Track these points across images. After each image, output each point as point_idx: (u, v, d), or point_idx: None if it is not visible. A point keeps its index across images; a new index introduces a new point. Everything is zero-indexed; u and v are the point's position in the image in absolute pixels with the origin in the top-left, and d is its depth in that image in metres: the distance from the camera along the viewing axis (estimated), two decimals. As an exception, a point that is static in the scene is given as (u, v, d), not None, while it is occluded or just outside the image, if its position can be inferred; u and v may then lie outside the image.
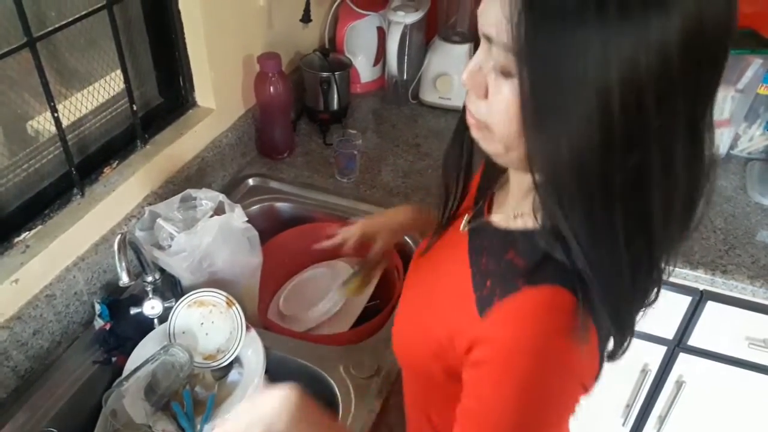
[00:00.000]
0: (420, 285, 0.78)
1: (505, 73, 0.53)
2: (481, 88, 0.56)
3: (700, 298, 1.36)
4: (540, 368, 0.56)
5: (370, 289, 1.24)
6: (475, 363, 0.61)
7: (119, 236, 0.96)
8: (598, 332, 0.58)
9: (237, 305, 1.06)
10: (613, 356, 0.63)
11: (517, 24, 0.48)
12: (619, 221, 0.53)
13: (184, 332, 1.05)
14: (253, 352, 1.05)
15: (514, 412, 0.57)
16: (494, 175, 0.75)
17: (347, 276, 1.23)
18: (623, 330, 0.60)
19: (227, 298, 1.06)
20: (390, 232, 1.11)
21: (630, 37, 0.46)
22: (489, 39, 0.54)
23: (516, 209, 0.66)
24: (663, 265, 0.59)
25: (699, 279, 1.31)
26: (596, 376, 0.61)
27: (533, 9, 0.48)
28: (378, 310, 1.21)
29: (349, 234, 1.10)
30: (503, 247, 0.65)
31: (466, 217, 0.74)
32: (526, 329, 0.57)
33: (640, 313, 0.63)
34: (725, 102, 1.53)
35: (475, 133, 0.61)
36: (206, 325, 1.06)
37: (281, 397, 0.69)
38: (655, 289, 0.62)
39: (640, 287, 0.59)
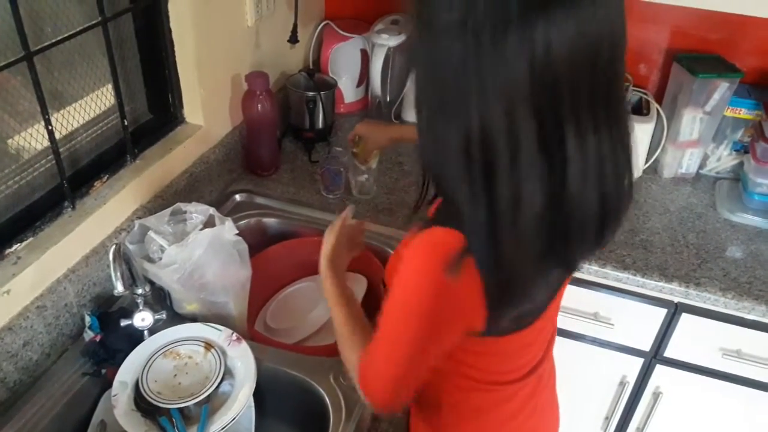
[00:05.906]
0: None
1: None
2: None
3: (675, 310, 1.41)
4: (418, 285, 0.72)
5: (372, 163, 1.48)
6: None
7: (114, 246, 0.97)
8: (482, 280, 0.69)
9: (216, 349, 1.06)
10: (493, 324, 0.75)
11: (409, 29, 0.64)
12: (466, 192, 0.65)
13: (156, 381, 1.02)
14: (243, 363, 1.06)
15: (396, 318, 0.76)
16: None
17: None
18: (499, 300, 0.72)
19: (206, 343, 1.07)
20: (381, 132, 1.43)
21: (487, 58, 0.57)
22: None
23: None
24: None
25: (674, 291, 1.36)
26: (481, 321, 0.74)
27: (414, 16, 0.62)
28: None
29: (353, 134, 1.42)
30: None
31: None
32: (416, 255, 0.72)
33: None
34: (694, 123, 1.60)
35: None
36: (179, 376, 1.03)
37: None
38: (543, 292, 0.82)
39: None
